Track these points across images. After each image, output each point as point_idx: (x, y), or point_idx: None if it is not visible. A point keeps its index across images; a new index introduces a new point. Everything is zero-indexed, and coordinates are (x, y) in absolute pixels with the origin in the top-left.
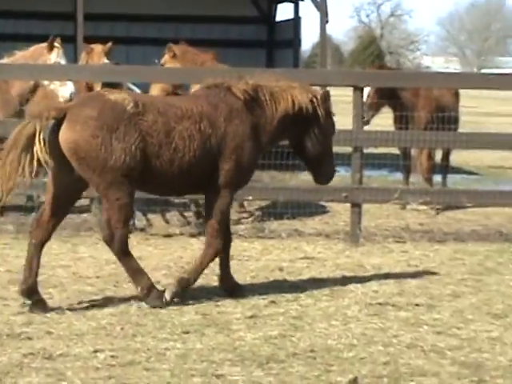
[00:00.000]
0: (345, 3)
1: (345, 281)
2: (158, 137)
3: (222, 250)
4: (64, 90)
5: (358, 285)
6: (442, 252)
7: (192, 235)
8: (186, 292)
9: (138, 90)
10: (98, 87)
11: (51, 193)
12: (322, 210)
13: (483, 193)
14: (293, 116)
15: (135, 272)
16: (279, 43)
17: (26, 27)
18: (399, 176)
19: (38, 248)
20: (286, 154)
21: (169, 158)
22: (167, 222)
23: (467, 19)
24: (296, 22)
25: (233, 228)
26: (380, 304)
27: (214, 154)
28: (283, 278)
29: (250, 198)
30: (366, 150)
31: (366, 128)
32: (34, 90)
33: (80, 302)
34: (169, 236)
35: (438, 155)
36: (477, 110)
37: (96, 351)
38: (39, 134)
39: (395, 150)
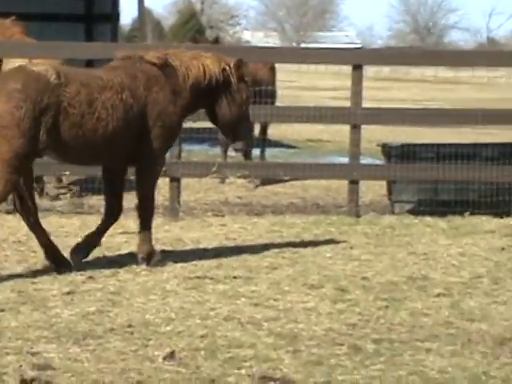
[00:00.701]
0: None
1: (164, 255)
2: (81, 107)
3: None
4: None
5: (177, 259)
6: (260, 225)
7: (8, 212)
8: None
9: None
10: None
11: None
12: None
13: (300, 166)
14: (205, 83)
15: None
16: (97, 17)
17: None
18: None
19: None
20: None
21: (92, 127)
22: None
23: None
24: None
25: (50, 204)
26: (198, 277)
27: (137, 122)
28: (102, 253)
29: (68, 172)
30: (185, 125)
31: None
32: None
33: None
34: None
35: (256, 129)
36: (296, 84)
37: None
38: None
39: None
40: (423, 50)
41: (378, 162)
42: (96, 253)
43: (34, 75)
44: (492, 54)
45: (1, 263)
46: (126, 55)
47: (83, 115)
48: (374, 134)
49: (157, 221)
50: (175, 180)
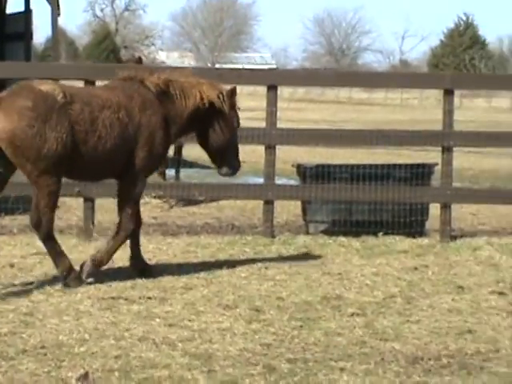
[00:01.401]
0: None
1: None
2: (85, 125)
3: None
4: None
5: (92, 279)
6: (175, 245)
7: None
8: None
9: None
10: None
11: None
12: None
13: (215, 186)
14: (201, 110)
15: (58, 255)
16: (10, 36)
17: None
18: None
19: None
20: None
21: (93, 144)
22: None
23: (200, 15)
24: (27, 14)
25: None
26: (113, 298)
27: (130, 141)
28: (14, 274)
29: None
30: None
31: None
32: None
33: None
34: None
35: (171, 150)
36: None
37: None
38: None
39: None
40: (336, 70)
41: (292, 182)
42: (8, 274)
43: (43, 94)
44: (404, 76)
45: None
46: (128, 76)
47: (87, 132)
48: (290, 155)
49: (70, 241)
50: (89, 200)
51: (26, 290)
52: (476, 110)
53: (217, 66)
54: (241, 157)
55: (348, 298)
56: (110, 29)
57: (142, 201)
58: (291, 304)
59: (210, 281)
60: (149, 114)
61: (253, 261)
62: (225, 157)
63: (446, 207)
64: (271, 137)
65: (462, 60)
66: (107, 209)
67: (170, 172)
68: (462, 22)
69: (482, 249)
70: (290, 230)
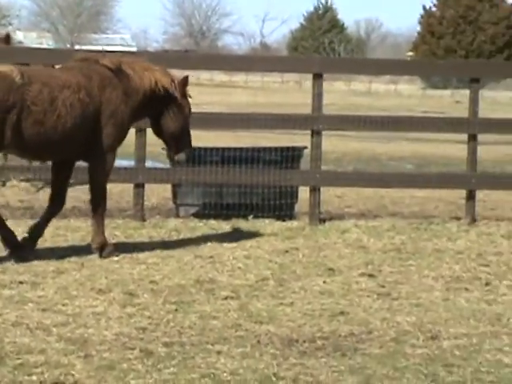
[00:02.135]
0: None
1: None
2: (43, 105)
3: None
4: None
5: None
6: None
7: None
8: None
9: None
10: None
11: None
12: None
13: (84, 169)
14: (155, 96)
15: None
16: None
17: None
18: None
19: None
20: None
21: (52, 124)
22: None
23: None
24: None
25: None
26: None
27: (92, 120)
28: None
29: None
30: None
31: None
32: None
33: None
34: None
35: None
36: None
37: None
38: None
39: None
40: (206, 54)
41: (162, 165)
42: None
43: (1, 75)
44: (278, 60)
45: None
46: (83, 57)
47: (45, 113)
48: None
49: None
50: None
51: None
52: (336, 93)
53: (76, 47)
54: None
55: (221, 281)
56: None
57: (8, 183)
58: (165, 287)
59: (82, 265)
60: (109, 90)
61: (124, 244)
62: (179, 143)
63: (315, 190)
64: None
65: (321, 43)
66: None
67: None
68: (321, 6)
69: (350, 231)
70: (160, 213)
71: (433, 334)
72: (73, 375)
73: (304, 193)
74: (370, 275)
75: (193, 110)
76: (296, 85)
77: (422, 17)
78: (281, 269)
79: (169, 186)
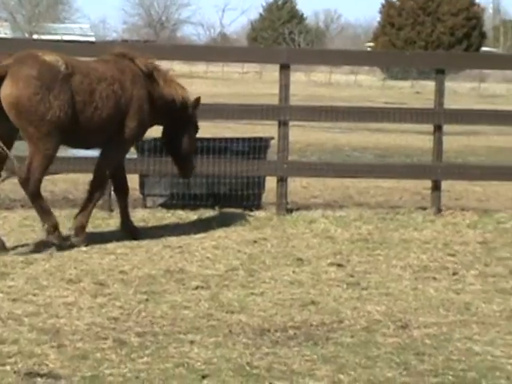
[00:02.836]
0: None
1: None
2: (84, 96)
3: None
4: None
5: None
6: (11, 219)
7: None
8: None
9: None
10: None
11: None
12: None
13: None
14: (174, 105)
15: (44, 212)
16: None
17: None
18: None
19: None
20: None
21: (90, 114)
22: None
23: None
24: None
25: None
26: None
27: (122, 112)
28: None
29: None
30: None
31: None
32: None
33: None
34: None
35: None
36: None
37: None
38: None
39: None
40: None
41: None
42: None
43: (47, 64)
44: (243, 50)
45: None
46: (121, 52)
47: (85, 103)
48: None
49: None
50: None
51: None
52: (296, 83)
53: (35, 36)
54: None
55: (191, 271)
56: None
57: None
58: (135, 277)
59: (51, 255)
60: (139, 87)
61: (92, 234)
62: (186, 160)
63: (282, 180)
64: None
65: (281, 34)
66: None
67: None
68: None
69: (318, 221)
70: None
71: (403, 323)
72: (47, 365)
73: (271, 183)
74: (339, 265)
75: None
76: (256, 75)
77: (382, 7)
78: (250, 259)
79: (136, 177)
